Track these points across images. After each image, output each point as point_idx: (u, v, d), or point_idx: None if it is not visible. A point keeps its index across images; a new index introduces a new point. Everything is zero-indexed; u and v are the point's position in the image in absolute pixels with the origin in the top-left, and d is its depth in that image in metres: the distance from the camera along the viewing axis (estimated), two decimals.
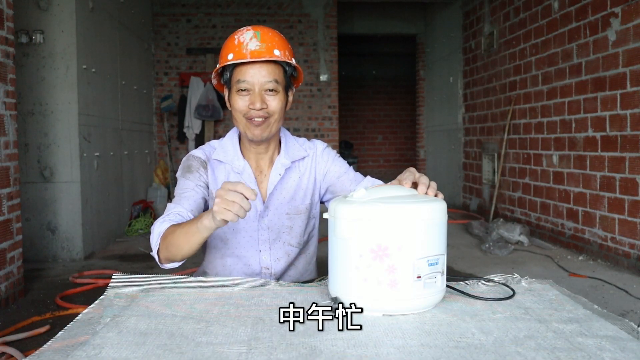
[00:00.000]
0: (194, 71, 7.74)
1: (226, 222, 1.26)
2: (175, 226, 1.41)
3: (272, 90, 1.52)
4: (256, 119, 1.53)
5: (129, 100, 6.30)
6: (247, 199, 1.21)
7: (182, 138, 7.65)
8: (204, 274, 1.69)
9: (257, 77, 1.51)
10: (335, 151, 1.73)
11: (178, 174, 1.65)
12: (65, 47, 4.58)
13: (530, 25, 5.67)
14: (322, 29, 7.90)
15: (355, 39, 10.34)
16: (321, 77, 7.91)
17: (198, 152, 1.65)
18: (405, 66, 11.67)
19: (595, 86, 4.57)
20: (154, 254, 1.46)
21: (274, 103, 1.53)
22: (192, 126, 7.50)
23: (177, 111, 7.66)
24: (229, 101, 1.58)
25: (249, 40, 1.50)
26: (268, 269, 1.64)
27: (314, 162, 1.68)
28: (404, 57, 11.54)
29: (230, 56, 1.51)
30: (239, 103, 1.53)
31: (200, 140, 7.51)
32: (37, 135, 4.57)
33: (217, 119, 7.52)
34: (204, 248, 1.69)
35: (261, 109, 1.51)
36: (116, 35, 5.83)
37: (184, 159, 1.67)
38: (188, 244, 1.36)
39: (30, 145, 4.58)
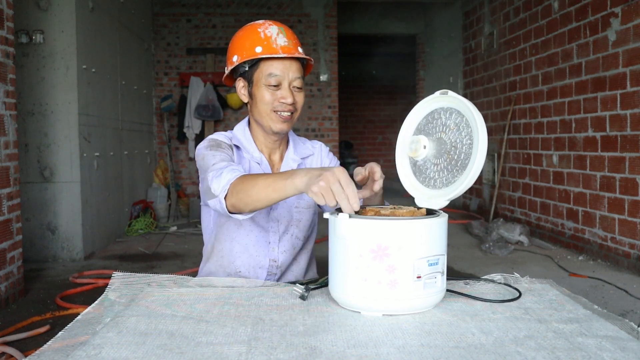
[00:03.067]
0: (194, 71, 7.74)
1: None
2: (254, 175, 1.35)
3: (299, 87, 1.58)
4: (284, 114, 1.57)
5: (129, 100, 6.30)
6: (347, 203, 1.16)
7: (182, 138, 7.65)
8: (211, 253, 1.69)
9: (288, 72, 1.55)
10: (334, 156, 1.82)
11: (205, 151, 1.57)
12: (65, 47, 4.58)
13: (530, 25, 5.67)
14: (322, 29, 7.90)
15: (355, 39, 10.34)
16: (321, 77, 7.92)
17: (219, 137, 1.63)
18: (405, 66, 11.67)
19: (595, 86, 4.57)
20: (221, 199, 1.37)
21: (300, 98, 1.60)
22: (192, 126, 7.50)
23: (177, 111, 7.66)
24: (250, 94, 1.59)
25: (276, 35, 1.55)
26: (275, 261, 1.65)
27: (320, 160, 1.75)
28: (404, 57, 11.54)
29: (258, 49, 1.53)
30: (268, 96, 1.56)
31: (200, 141, 7.50)
32: (37, 135, 4.58)
33: (217, 119, 7.52)
34: (215, 226, 1.68)
35: (292, 103, 1.56)
36: (116, 35, 5.83)
37: (204, 142, 1.61)
38: (267, 198, 1.30)
39: (30, 145, 4.58)
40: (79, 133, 4.66)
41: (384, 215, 1.17)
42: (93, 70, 5.01)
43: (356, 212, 1.16)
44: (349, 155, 10.96)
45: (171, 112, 7.66)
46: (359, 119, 12.16)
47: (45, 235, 4.66)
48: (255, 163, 1.64)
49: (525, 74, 5.80)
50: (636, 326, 1.06)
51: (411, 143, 1.35)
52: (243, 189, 1.34)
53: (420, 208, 1.25)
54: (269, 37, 1.54)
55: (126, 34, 6.22)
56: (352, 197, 1.14)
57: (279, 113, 1.57)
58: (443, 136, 1.31)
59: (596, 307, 1.19)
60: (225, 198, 1.38)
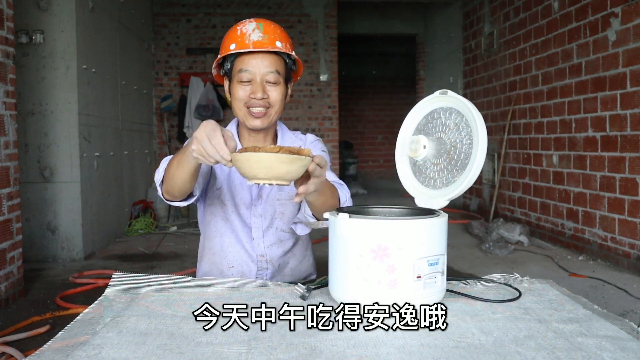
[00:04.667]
0: (194, 71, 7.74)
1: None
2: (171, 157, 1.40)
3: (273, 81, 1.53)
4: (256, 110, 1.54)
5: (129, 100, 6.30)
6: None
7: (182, 138, 7.65)
8: (202, 252, 1.69)
9: (259, 66, 1.52)
10: (322, 145, 1.73)
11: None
12: (65, 47, 4.58)
13: (530, 25, 5.67)
14: (322, 29, 7.90)
15: (355, 39, 10.34)
16: (321, 77, 7.91)
17: None
18: (405, 66, 11.68)
19: (595, 86, 4.57)
20: (159, 189, 1.46)
21: (275, 94, 1.54)
22: (192, 126, 7.50)
23: (177, 111, 7.66)
24: (229, 91, 1.59)
25: (251, 31, 1.52)
26: (263, 256, 1.64)
27: None
28: (404, 57, 11.55)
29: (232, 46, 1.52)
30: (240, 92, 1.54)
31: None
32: (37, 135, 4.57)
33: (217, 119, 7.51)
34: (202, 225, 1.69)
35: (262, 98, 1.52)
36: (116, 35, 5.83)
37: (188, 141, 1.64)
38: (181, 176, 1.34)
39: (30, 145, 4.58)
40: (79, 133, 4.66)
41: (252, 150, 1.11)
42: (93, 70, 5.01)
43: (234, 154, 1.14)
44: (349, 155, 10.96)
45: (171, 112, 7.66)
46: (359, 119, 12.16)
47: (45, 235, 4.66)
48: None
49: (525, 74, 5.79)
50: (636, 326, 1.06)
51: (411, 143, 1.35)
52: (167, 174, 1.38)
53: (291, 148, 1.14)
54: (244, 33, 1.52)
55: (126, 34, 6.22)
56: (220, 149, 1.15)
57: (251, 109, 1.54)
58: (443, 136, 1.31)
59: (596, 307, 1.19)
60: (162, 185, 1.43)
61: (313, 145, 1.71)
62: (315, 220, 1.46)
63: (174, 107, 7.59)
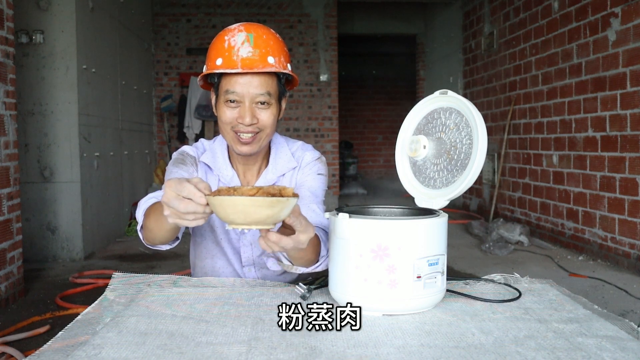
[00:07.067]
0: (194, 71, 7.74)
1: None
2: (154, 206, 1.27)
3: (264, 102, 1.40)
4: (244, 136, 1.41)
5: (129, 100, 6.30)
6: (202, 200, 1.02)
7: (182, 138, 7.65)
8: (194, 270, 1.63)
9: (248, 88, 1.37)
10: (320, 166, 1.57)
11: (169, 166, 1.52)
12: (65, 47, 4.58)
13: (530, 25, 5.67)
14: (322, 29, 7.90)
15: (355, 39, 10.34)
16: (321, 77, 7.91)
17: (190, 150, 1.56)
18: (405, 66, 11.68)
19: (595, 86, 4.57)
20: (139, 232, 1.34)
21: (266, 117, 1.40)
22: (192, 126, 7.50)
23: (177, 111, 7.66)
24: (216, 109, 1.46)
25: (240, 45, 1.36)
26: (256, 280, 1.54)
27: (297, 172, 1.56)
28: (404, 57, 11.54)
29: (219, 61, 1.38)
30: (227, 114, 1.40)
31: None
32: (37, 135, 4.57)
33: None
34: (192, 245, 1.62)
35: (251, 124, 1.39)
36: (116, 35, 5.83)
37: (175, 152, 1.57)
38: (160, 231, 1.23)
39: (30, 145, 4.58)
40: (79, 133, 4.66)
41: (226, 193, 0.99)
42: (93, 70, 5.01)
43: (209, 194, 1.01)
44: (349, 155, 10.96)
45: (171, 112, 7.66)
46: (359, 119, 12.16)
47: (45, 235, 4.66)
48: (222, 184, 1.51)
49: (525, 74, 5.79)
50: (636, 326, 1.06)
51: (411, 143, 1.36)
52: (145, 225, 1.28)
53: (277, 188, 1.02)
54: (232, 47, 1.37)
55: (126, 34, 6.21)
56: (192, 195, 1.00)
57: (239, 134, 1.41)
58: (443, 136, 1.31)
59: (596, 307, 1.19)
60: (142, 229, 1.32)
61: (309, 168, 1.54)
62: (289, 264, 1.28)
63: (174, 107, 7.59)
